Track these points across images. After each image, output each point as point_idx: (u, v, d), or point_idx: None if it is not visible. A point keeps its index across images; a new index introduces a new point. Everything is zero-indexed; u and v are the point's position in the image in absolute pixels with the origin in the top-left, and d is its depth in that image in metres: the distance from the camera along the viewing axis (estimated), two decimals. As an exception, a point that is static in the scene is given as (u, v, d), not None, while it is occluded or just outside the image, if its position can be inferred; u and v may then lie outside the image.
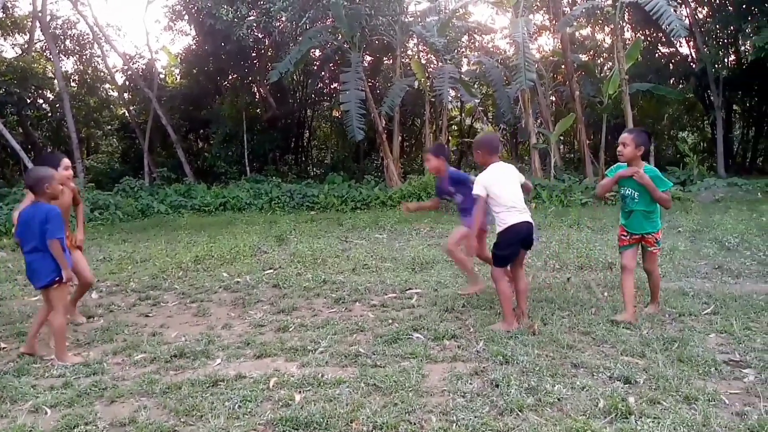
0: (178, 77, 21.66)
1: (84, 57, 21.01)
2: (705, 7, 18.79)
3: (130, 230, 11.07)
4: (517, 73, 13.79)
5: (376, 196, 14.04)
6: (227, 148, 19.13)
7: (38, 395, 3.33)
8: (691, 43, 18.69)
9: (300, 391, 3.23)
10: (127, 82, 20.65)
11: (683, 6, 17.55)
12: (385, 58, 19.70)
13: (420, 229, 9.50)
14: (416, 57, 18.42)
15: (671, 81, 19.39)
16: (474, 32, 19.47)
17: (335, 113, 21.22)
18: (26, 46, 20.13)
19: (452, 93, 16.14)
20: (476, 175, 4.55)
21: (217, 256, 7.50)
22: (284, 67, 15.02)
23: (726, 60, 18.57)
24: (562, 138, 18.52)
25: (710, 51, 17.26)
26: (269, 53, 18.76)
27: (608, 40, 19.43)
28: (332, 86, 20.46)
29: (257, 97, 20.39)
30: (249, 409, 3.03)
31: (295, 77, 19.77)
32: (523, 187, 4.45)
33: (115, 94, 21.86)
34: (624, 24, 17.84)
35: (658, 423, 2.73)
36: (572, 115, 15.33)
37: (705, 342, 3.85)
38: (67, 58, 20.90)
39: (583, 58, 18.71)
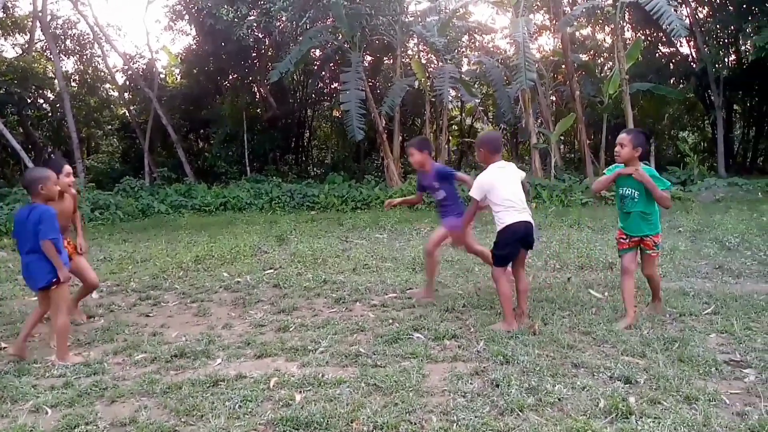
0: (179, 77, 21.67)
1: (84, 57, 21.02)
2: (705, 7, 18.78)
3: (131, 230, 11.08)
4: (517, 72, 13.79)
5: (377, 196, 14.04)
6: (227, 147, 19.14)
7: (39, 395, 3.33)
8: (692, 43, 18.69)
9: (300, 391, 3.23)
10: (128, 82, 20.66)
11: (683, 6, 17.55)
12: (385, 58, 19.70)
13: (420, 229, 9.51)
14: (416, 57, 18.42)
15: (672, 81, 19.38)
16: (474, 32, 19.47)
17: (335, 113, 21.24)
18: (27, 45, 20.14)
19: (452, 93, 16.16)
20: (476, 175, 4.55)
21: (218, 256, 7.50)
22: (284, 66, 15.02)
23: (726, 60, 18.55)
24: (562, 138, 18.52)
25: (711, 51, 17.25)
26: (269, 53, 18.77)
27: (608, 40, 19.42)
28: (332, 86, 20.46)
29: (257, 96, 20.39)
30: (249, 409, 3.03)
31: (295, 77, 19.79)
32: (522, 185, 4.44)
33: (116, 93, 21.88)
34: (624, 24, 17.85)
35: (659, 423, 2.73)
36: (572, 115, 15.33)
37: (705, 342, 3.84)
38: (68, 57, 20.92)
39: (584, 57, 18.71)
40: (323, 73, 20.02)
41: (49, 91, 20.16)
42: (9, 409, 3.18)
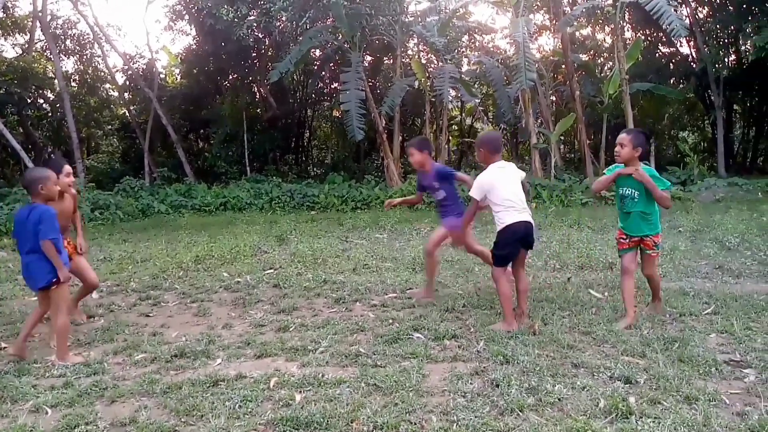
0: (179, 77, 21.67)
1: (84, 57, 21.03)
2: (705, 7, 18.78)
3: (131, 230, 11.08)
4: (517, 72, 13.79)
5: (377, 196, 14.04)
6: (227, 147, 19.15)
7: (39, 395, 3.33)
8: (692, 43, 18.69)
9: (300, 391, 3.23)
10: (128, 82, 20.66)
11: (683, 6, 17.55)
12: (385, 58, 19.70)
13: (420, 229, 9.51)
14: (416, 57, 18.42)
15: (672, 81, 19.38)
16: (474, 32, 19.47)
17: (335, 113, 21.23)
18: (27, 46, 20.14)
19: (452, 93, 16.16)
20: (476, 175, 4.55)
21: (218, 256, 7.50)
22: (284, 66, 15.02)
23: (726, 60, 18.55)
24: (562, 138, 18.52)
25: (711, 51, 17.25)
26: (269, 53, 18.77)
27: (608, 40, 19.43)
28: (332, 86, 20.46)
29: (257, 96, 20.39)
30: (249, 409, 3.03)
31: (295, 77, 19.79)
32: (521, 185, 4.45)
33: (116, 93, 21.88)
34: (624, 24, 17.85)
35: (659, 423, 2.73)
36: (572, 115, 15.33)
37: (706, 342, 3.84)
38: (68, 57, 20.92)
39: (584, 57, 18.71)
40: (323, 73, 20.02)
41: (49, 91, 20.17)
42: (9, 409, 3.18)
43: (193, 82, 19.88)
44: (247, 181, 16.79)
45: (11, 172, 19.77)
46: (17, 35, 20.52)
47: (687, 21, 15.93)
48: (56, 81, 18.41)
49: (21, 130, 19.21)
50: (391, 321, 4.53)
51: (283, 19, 15.52)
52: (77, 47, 20.63)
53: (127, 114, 20.80)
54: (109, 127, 23.26)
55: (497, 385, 3.19)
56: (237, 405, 3.07)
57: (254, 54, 18.36)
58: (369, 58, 19.49)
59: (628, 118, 14.36)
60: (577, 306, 4.74)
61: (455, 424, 2.80)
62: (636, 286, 4.60)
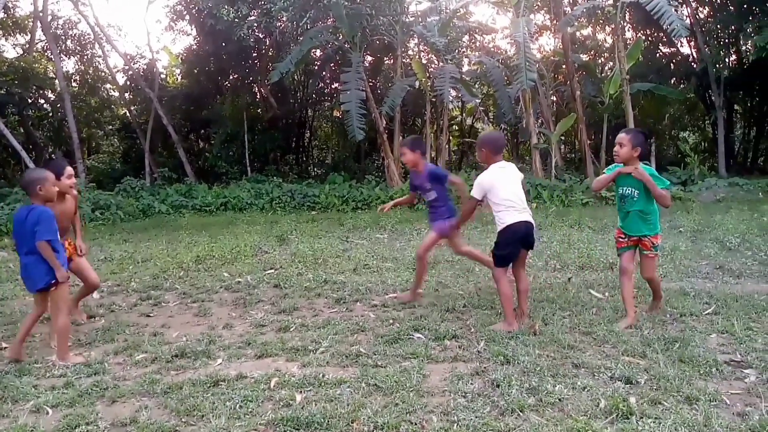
0: (179, 77, 21.68)
1: (85, 57, 21.05)
2: (706, 7, 18.78)
3: (131, 230, 11.08)
4: (518, 73, 13.79)
5: (377, 196, 14.04)
6: (228, 148, 19.15)
7: (39, 395, 3.33)
8: (692, 43, 18.69)
9: (301, 391, 3.23)
10: (128, 82, 20.67)
11: (684, 6, 17.55)
12: (385, 58, 19.70)
13: (421, 229, 9.50)
14: (417, 57, 18.42)
15: (672, 81, 19.38)
16: (475, 32, 19.48)
17: (336, 113, 21.23)
18: (27, 46, 20.16)
19: (453, 93, 16.14)
20: (476, 175, 4.55)
21: (218, 256, 7.51)
22: (285, 67, 15.02)
23: (727, 60, 18.55)
24: (563, 138, 18.51)
25: (711, 51, 17.25)
26: (270, 53, 18.78)
27: (609, 40, 19.43)
28: (333, 86, 20.47)
29: (258, 97, 20.40)
30: (250, 409, 3.03)
31: (295, 77, 19.78)
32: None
33: (116, 94, 21.90)
34: (625, 24, 17.85)
35: (660, 423, 2.73)
36: (573, 115, 15.33)
37: (706, 342, 3.84)
38: (68, 58, 20.92)
39: (584, 58, 18.70)
40: (324, 73, 20.02)
41: (50, 91, 20.18)
42: (10, 409, 3.18)
43: (194, 82, 19.89)
44: (248, 181, 16.79)
45: (12, 172, 19.78)
46: (18, 35, 20.55)
47: (688, 21, 15.95)
48: (57, 81, 18.42)
49: (22, 131, 19.23)
50: (391, 321, 4.53)
51: (284, 19, 15.52)
52: (78, 47, 20.65)
53: (128, 114, 20.81)
54: (110, 127, 23.27)
55: (498, 386, 3.20)
56: (238, 405, 3.07)
57: (255, 54, 18.36)
58: (369, 58, 19.49)
59: (628, 119, 14.35)
60: (577, 306, 4.74)
61: (456, 425, 2.80)
62: (636, 287, 4.60)
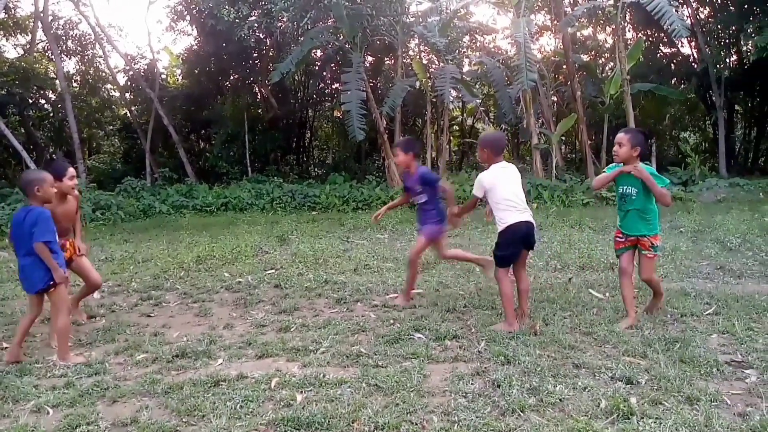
0: (180, 77, 21.71)
1: (86, 57, 21.08)
2: (707, 7, 18.78)
3: (132, 230, 11.08)
4: (518, 73, 13.78)
5: (378, 197, 14.04)
6: (229, 148, 19.16)
7: (40, 395, 3.33)
8: (693, 43, 18.68)
9: (302, 391, 3.23)
10: (129, 83, 20.69)
11: (685, 6, 17.54)
12: (386, 59, 19.71)
13: (421, 230, 9.51)
14: (417, 57, 18.43)
15: (673, 81, 19.38)
16: (475, 32, 19.48)
17: (336, 113, 21.25)
18: (28, 46, 20.18)
19: (454, 93, 16.14)
20: (476, 176, 4.55)
21: (219, 257, 7.51)
22: (286, 67, 15.02)
23: (728, 60, 18.55)
24: (563, 138, 18.52)
25: (712, 51, 17.24)
26: (271, 53, 18.78)
27: (610, 41, 19.43)
28: (333, 86, 20.48)
29: (259, 97, 20.41)
30: (251, 409, 3.03)
31: (296, 77, 19.78)
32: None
33: (117, 94, 21.93)
34: (625, 24, 17.85)
35: (660, 423, 2.73)
36: (574, 116, 15.33)
37: (707, 342, 3.84)
38: (69, 58, 20.95)
39: (585, 58, 18.72)
40: (324, 73, 20.02)
41: (51, 91, 20.19)
42: (11, 409, 3.19)
43: (195, 82, 19.90)
44: (249, 181, 16.80)
45: (13, 172, 19.77)
46: (19, 36, 20.55)
47: (688, 21, 15.94)
48: (58, 81, 18.44)
49: (22, 131, 19.25)
50: (392, 321, 4.53)
51: (284, 19, 15.52)
52: (79, 48, 20.68)
53: (129, 114, 20.83)
54: (111, 127, 23.30)
55: (498, 386, 3.20)
56: (238, 405, 3.07)
57: (255, 54, 18.37)
58: (370, 58, 19.50)
59: (629, 119, 14.35)
60: (578, 306, 4.74)
61: (456, 425, 2.80)
62: (637, 287, 4.60)
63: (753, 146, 20.30)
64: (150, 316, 5.10)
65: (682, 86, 19.51)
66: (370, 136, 17.54)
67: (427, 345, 3.92)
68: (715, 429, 2.68)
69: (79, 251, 4.86)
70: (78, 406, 3.18)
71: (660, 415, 2.82)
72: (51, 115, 20.73)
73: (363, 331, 4.32)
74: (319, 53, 18.77)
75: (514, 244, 4.29)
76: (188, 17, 18.00)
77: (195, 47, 19.32)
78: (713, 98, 17.62)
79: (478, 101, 20.19)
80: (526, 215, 4.31)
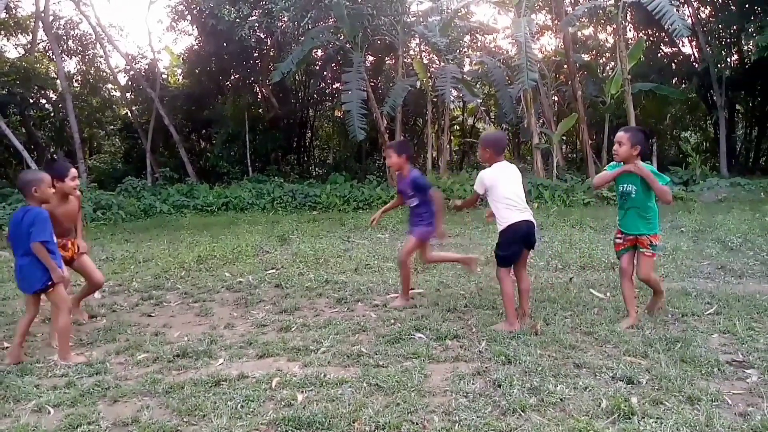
0: (181, 77, 21.71)
1: (87, 57, 21.09)
2: (708, 7, 18.77)
3: (133, 230, 11.09)
4: (519, 73, 13.78)
5: (378, 196, 14.04)
6: (229, 148, 19.16)
7: (41, 395, 3.33)
8: (694, 43, 18.67)
9: (302, 391, 3.23)
10: (130, 82, 20.70)
11: (686, 5, 17.53)
12: (387, 58, 19.70)
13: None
14: (418, 57, 18.43)
15: (674, 81, 19.37)
16: (476, 32, 19.48)
17: (337, 113, 21.24)
18: (29, 46, 20.20)
19: (454, 93, 16.15)
20: (477, 175, 4.55)
21: (220, 256, 7.51)
22: (286, 67, 15.03)
23: (729, 60, 18.54)
24: (564, 138, 18.50)
25: (713, 51, 17.23)
26: (271, 53, 18.79)
27: (611, 40, 19.42)
28: (334, 86, 20.49)
29: (259, 97, 20.41)
30: (251, 409, 3.03)
31: (297, 77, 19.79)
32: None
33: (118, 94, 21.93)
34: (626, 24, 17.84)
35: (661, 423, 2.73)
36: (575, 115, 15.32)
37: (708, 342, 3.84)
38: (70, 58, 20.96)
39: (586, 57, 18.70)
40: (325, 73, 20.02)
41: (52, 91, 20.22)
42: (12, 409, 3.19)
43: (195, 82, 19.91)
44: (249, 181, 16.80)
45: (14, 172, 19.78)
46: (20, 36, 20.59)
47: (689, 21, 15.95)
48: (58, 81, 18.45)
49: (23, 131, 19.27)
50: (392, 321, 4.53)
51: (285, 19, 15.53)
52: (79, 47, 20.69)
53: (129, 114, 20.84)
54: (112, 127, 23.31)
55: (499, 386, 3.19)
56: (239, 405, 3.07)
57: (256, 54, 18.37)
58: (371, 58, 19.49)
59: (630, 119, 14.35)
60: (579, 306, 4.74)
61: (457, 425, 2.80)
62: (637, 287, 4.60)
63: (754, 146, 20.28)
64: (151, 315, 5.10)
65: (683, 86, 19.51)
66: (370, 135, 17.55)
67: (427, 345, 3.92)
68: (716, 429, 2.68)
69: (78, 250, 4.86)
70: (79, 405, 3.19)
71: (661, 415, 2.82)
72: (52, 114, 20.75)
73: (364, 330, 4.32)
74: (319, 53, 18.78)
75: (515, 244, 4.29)
76: (189, 17, 18.01)
77: (196, 47, 19.33)
78: (714, 98, 17.62)
79: (479, 101, 20.19)
80: (527, 214, 4.31)
